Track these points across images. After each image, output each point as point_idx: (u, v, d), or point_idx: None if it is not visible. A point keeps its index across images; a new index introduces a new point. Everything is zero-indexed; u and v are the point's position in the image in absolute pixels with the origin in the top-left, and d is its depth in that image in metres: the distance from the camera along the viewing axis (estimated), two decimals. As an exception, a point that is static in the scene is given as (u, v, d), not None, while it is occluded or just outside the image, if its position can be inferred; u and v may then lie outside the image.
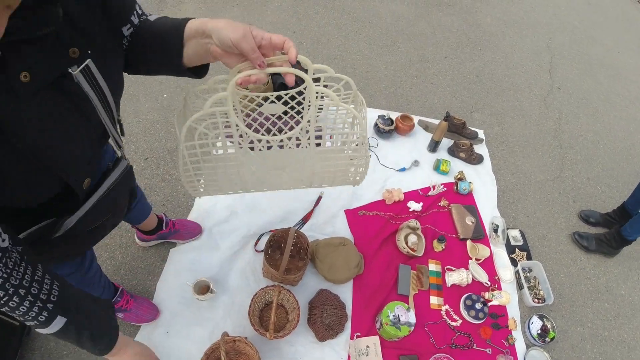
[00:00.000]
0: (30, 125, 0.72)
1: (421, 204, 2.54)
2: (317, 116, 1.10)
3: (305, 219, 2.34)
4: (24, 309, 0.81)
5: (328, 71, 1.10)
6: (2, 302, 0.78)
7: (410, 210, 2.51)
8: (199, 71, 1.02)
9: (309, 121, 1.10)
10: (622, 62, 4.75)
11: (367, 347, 1.98)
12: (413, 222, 2.33)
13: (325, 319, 1.96)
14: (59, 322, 0.88)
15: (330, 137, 1.31)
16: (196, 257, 2.12)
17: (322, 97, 1.20)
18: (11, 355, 1.69)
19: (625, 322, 2.50)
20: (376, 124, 2.84)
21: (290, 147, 1.18)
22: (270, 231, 2.24)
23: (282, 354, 1.90)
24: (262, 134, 1.14)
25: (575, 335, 2.36)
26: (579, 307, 2.47)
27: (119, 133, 1.06)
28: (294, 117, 1.29)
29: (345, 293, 2.13)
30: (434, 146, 2.85)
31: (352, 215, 2.42)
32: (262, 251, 2.12)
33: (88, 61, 0.79)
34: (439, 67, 3.77)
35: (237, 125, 1.06)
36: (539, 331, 2.21)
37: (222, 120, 1.18)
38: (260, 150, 1.20)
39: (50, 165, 0.81)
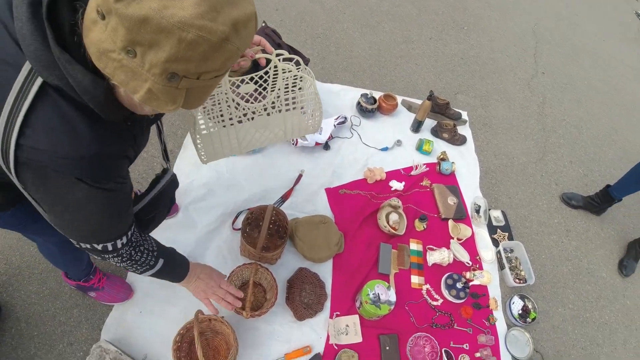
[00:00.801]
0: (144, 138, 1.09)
1: (403, 183, 2.50)
2: (287, 86, 1.63)
3: (284, 197, 2.28)
4: (145, 259, 1.25)
5: (285, 54, 1.49)
6: (139, 259, 1.23)
7: (392, 189, 2.47)
8: None
9: (280, 89, 1.60)
10: (606, 49, 4.78)
11: (347, 326, 1.94)
12: (394, 201, 2.29)
13: (304, 298, 1.92)
14: (160, 263, 1.31)
15: (294, 102, 1.74)
16: (172, 235, 2.05)
17: (284, 71, 1.60)
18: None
19: (606, 304, 2.52)
20: (359, 103, 2.78)
21: (269, 114, 1.68)
22: (248, 209, 2.18)
23: (259, 333, 1.85)
24: (252, 103, 1.64)
25: (556, 316, 2.36)
26: (560, 288, 2.47)
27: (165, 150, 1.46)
28: (262, 93, 1.71)
29: (325, 272, 2.10)
30: (417, 126, 2.81)
31: (333, 194, 2.37)
32: (239, 229, 2.06)
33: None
34: (424, 48, 3.72)
35: (233, 100, 1.57)
36: (520, 311, 2.21)
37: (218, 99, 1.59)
38: (249, 120, 1.69)
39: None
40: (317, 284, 2.00)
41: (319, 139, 2.43)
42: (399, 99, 2.99)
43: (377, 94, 2.89)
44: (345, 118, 2.66)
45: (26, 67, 0.76)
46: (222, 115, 1.65)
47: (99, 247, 1.09)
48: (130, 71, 0.69)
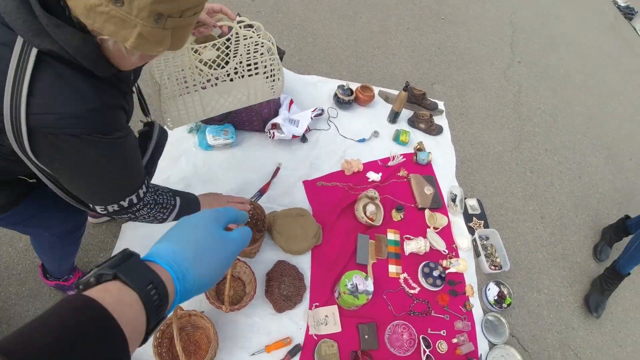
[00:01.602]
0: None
1: (380, 174, 2.52)
2: (248, 52, 1.73)
3: (262, 191, 2.29)
4: (167, 200, 1.35)
5: (246, 20, 1.58)
6: (162, 201, 1.33)
7: (370, 180, 2.50)
8: None
9: (242, 55, 1.69)
10: (582, 39, 4.85)
11: (326, 316, 1.97)
12: (371, 192, 2.32)
13: (283, 290, 1.94)
14: (177, 201, 1.41)
15: (256, 68, 1.82)
16: (149, 231, 2.04)
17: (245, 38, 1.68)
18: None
19: (581, 288, 2.58)
20: (336, 94, 2.79)
21: (232, 80, 1.79)
22: (226, 203, 2.19)
23: (239, 327, 1.87)
24: (215, 69, 1.72)
25: (531, 301, 2.41)
26: (535, 273, 2.53)
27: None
28: (224, 59, 1.76)
29: (304, 264, 2.11)
30: (393, 117, 2.83)
31: (311, 186, 2.38)
32: (217, 223, 2.06)
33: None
34: (401, 38, 3.73)
35: (196, 67, 1.66)
36: (496, 297, 2.26)
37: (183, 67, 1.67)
38: (213, 86, 1.83)
39: None
40: (296, 276, 2.02)
41: (296, 131, 2.44)
42: (376, 89, 3.00)
43: (354, 85, 2.90)
44: (322, 110, 2.66)
45: (19, 41, 0.80)
46: (185, 82, 1.72)
47: (126, 203, 1.16)
48: (119, 20, 0.76)
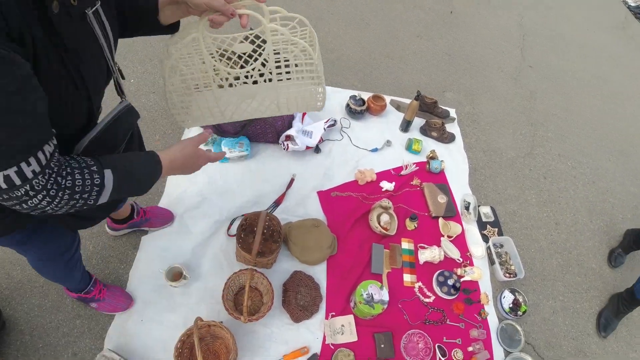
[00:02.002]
0: (79, 44, 0.89)
1: (393, 183, 2.55)
2: (277, 52, 1.31)
3: (277, 202, 2.33)
4: (84, 180, 0.89)
5: (281, 11, 1.26)
6: (78, 184, 0.88)
7: (383, 190, 2.53)
8: (173, 27, 1.26)
9: (269, 54, 1.28)
10: (593, 41, 4.81)
11: (342, 326, 2.00)
12: (385, 202, 2.34)
13: (299, 300, 1.98)
14: (108, 178, 0.95)
15: (288, 72, 1.44)
16: (168, 244, 2.10)
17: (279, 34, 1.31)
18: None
19: (597, 294, 2.56)
20: (348, 105, 2.83)
21: (256, 82, 1.39)
22: (242, 215, 2.23)
23: (257, 337, 1.91)
24: (232, 67, 1.37)
25: (546, 308, 2.41)
26: (550, 280, 2.53)
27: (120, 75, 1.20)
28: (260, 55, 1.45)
29: (320, 274, 2.15)
30: (405, 126, 2.85)
31: (325, 197, 2.42)
32: (234, 235, 2.11)
33: (98, 5, 0.95)
34: (411, 46, 3.76)
35: (212, 64, 1.28)
36: (511, 305, 2.26)
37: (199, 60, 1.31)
38: (232, 86, 1.41)
39: (89, 90, 0.96)
40: (312, 286, 2.05)
41: (310, 142, 2.48)
42: (387, 99, 3.03)
43: (366, 95, 2.93)
44: (335, 121, 2.70)
45: None
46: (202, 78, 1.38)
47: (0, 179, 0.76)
48: None
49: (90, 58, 0.96)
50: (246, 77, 1.38)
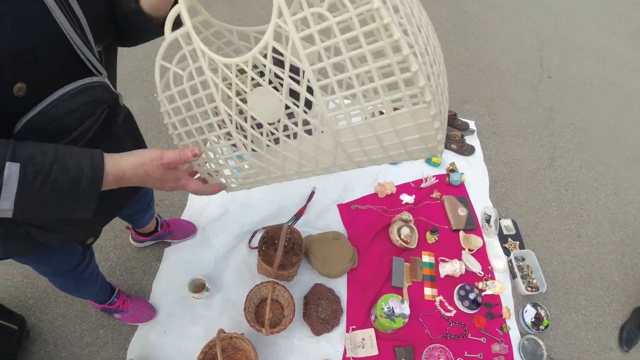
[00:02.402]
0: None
1: (413, 196, 2.55)
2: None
3: (298, 215, 2.35)
4: None
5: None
6: None
7: (403, 203, 2.53)
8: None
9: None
10: (613, 50, 4.76)
11: (363, 339, 2.00)
12: (405, 215, 2.35)
13: (320, 313, 1.98)
14: (12, 168, 0.65)
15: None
16: (191, 255, 2.13)
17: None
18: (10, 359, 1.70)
19: (619, 308, 2.52)
20: (367, 118, 2.83)
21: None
22: (263, 228, 2.25)
23: (278, 349, 1.91)
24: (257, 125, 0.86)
25: (569, 322, 2.38)
26: (572, 294, 2.50)
27: (98, 61, 0.88)
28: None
29: (340, 287, 2.15)
30: (425, 138, 2.85)
31: (345, 210, 2.43)
32: (256, 248, 2.13)
33: None
34: (430, 58, 3.75)
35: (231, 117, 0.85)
36: (533, 319, 2.24)
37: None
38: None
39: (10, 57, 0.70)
40: (333, 299, 2.06)
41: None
42: (407, 111, 3.03)
43: (385, 108, 2.93)
44: (355, 133, 2.70)
45: None
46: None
47: None
48: None
49: (16, 16, 0.69)
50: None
